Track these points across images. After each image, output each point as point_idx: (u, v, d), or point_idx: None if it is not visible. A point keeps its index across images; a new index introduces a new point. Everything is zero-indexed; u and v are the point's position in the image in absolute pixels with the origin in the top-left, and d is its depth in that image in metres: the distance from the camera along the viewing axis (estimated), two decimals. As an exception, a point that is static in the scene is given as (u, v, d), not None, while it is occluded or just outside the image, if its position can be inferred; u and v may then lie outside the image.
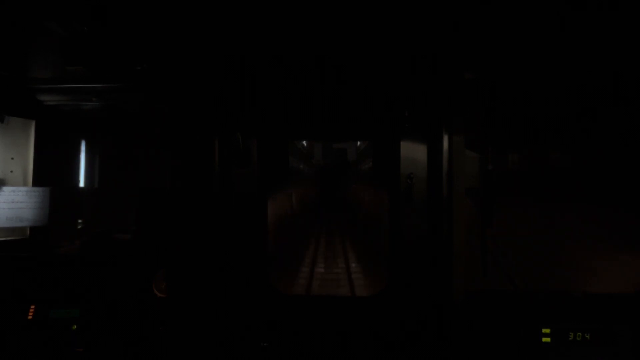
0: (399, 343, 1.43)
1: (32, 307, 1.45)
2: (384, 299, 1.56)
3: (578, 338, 1.33)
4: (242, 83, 1.50)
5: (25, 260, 1.55)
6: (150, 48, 1.33)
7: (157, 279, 1.50)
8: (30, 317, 1.44)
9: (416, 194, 1.50)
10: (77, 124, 2.01)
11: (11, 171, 1.77)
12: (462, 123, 1.35)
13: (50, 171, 1.87)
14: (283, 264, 2.11)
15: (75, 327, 1.43)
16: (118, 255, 1.58)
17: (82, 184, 2.08)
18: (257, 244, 1.60)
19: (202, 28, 1.21)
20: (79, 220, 2.01)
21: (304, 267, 2.25)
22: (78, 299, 1.47)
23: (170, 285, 1.36)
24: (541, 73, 1.43)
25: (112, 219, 1.97)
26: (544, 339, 1.34)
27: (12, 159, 1.77)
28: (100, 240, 1.74)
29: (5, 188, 1.69)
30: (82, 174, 2.09)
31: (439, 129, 1.38)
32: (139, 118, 2.00)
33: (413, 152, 1.52)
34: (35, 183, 1.80)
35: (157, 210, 1.73)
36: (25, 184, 1.79)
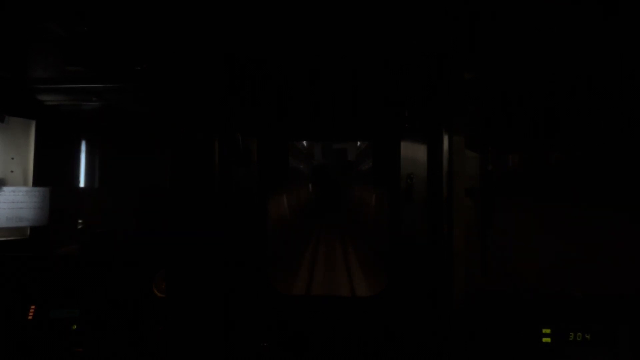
0: (399, 343, 1.43)
1: (32, 307, 1.45)
2: (384, 299, 1.56)
3: (578, 338, 1.33)
4: (242, 83, 1.50)
5: (25, 260, 1.55)
6: (150, 48, 1.33)
7: (157, 279, 1.50)
8: (30, 317, 1.44)
9: (416, 194, 1.50)
10: (77, 124, 2.01)
11: (11, 171, 1.77)
12: (462, 123, 1.35)
13: (50, 171, 1.87)
14: (283, 264, 2.11)
15: (75, 327, 1.43)
16: (118, 255, 1.58)
17: (82, 184, 2.08)
18: (257, 244, 1.60)
19: (202, 28, 1.21)
20: (79, 220, 2.01)
21: (303, 267, 2.25)
22: (78, 299, 1.47)
23: (170, 285, 1.36)
24: (541, 72, 1.43)
25: (112, 219, 1.97)
26: (544, 339, 1.34)
27: (13, 159, 1.77)
28: (100, 240, 1.74)
29: (5, 188, 1.70)
30: (82, 174, 2.08)
31: (439, 129, 1.37)
32: (139, 118, 2.00)
33: (413, 152, 1.52)
34: (36, 183, 1.80)
35: (157, 210, 1.73)
36: (25, 184, 1.79)
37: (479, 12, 1.07)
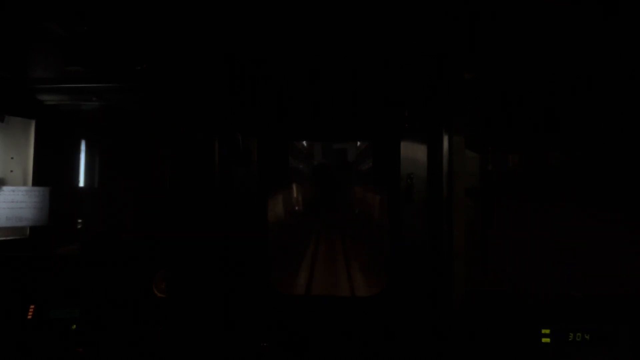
0: (399, 343, 1.43)
1: (32, 307, 1.45)
2: (384, 299, 1.56)
3: (578, 338, 1.33)
4: (242, 83, 1.50)
5: (25, 260, 1.55)
6: (150, 48, 1.33)
7: (157, 279, 1.50)
8: (30, 317, 1.44)
9: (416, 194, 1.50)
10: (77, 124, 2.01)
11: (11, 171, 1.77)
12: (462, 123, 1.35)
13: (50, 171, 1.87)
14: (283, 264, 2.11)
15: (75, 327, 1.43)
16: (118, 255, 1.58)
17: (82, 184, 2.08)
18: (257, 243, 1.60)
19: (202, 28, 1.21)
20: (79, 220, 2.00)
21: (303, 267, 2.25)
22: (78, 299, 1.47)
23: (170, 285, 1.36)
24: (541, 72, 1.43)
25: (112, 219, 1.97)
26: (544, 340, 1.34)
27: (12, 158, 1.77)
28: (100, 240, 1.74)
29: (5, 188, 1.69)
30: (82, 174, 2.08)
31: (439, 129, 1.38)
32: (139, 118, 2.00)
33: (413, 152, 1.52)
34: (35, 183, 1.80)
35: (157, 210, 1.73)
36: (25, 184, 1.79)
37: (479, 12, 1.07)
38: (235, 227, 1.51)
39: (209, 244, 1.33)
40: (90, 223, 2.00)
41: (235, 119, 1.51)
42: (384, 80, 1.52)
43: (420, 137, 1.51)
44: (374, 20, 1.14)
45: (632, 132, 1.54)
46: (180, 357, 1.31)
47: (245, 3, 1.05)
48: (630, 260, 1.53)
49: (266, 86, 1.54)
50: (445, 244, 1.35)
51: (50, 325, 1.43)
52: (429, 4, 1.04)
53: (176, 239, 1.32)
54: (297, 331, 1.44)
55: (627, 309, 1.35)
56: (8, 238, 1.73)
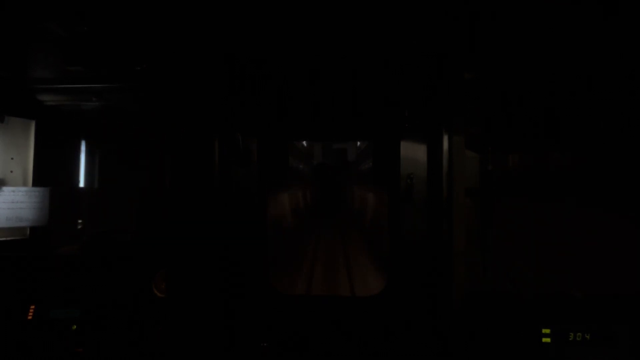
0: (399, 343, 1.43)
1: (32, 307, 1.45)
2: (384, 299, 1.56)
3: (578, 338, 1.33)
4: (242, 83, 1.50)
5: (25, 260, 1.55)
6: (150, 48, 1.33)
7: (157, 279, 1.50)
8: (30, 317, 1.44)
9: (416, 194, 1.50)
10: (77, 124, 2.01)
11: (11, 171, 1.77)
12: (462, 123, 1.35)
13: (50, 171, 1.87)
14: (283, 264, 2.11)
15: (75, 327, 1.43)
16: (118, 255, 1.58)
17: (82, 184, 2.08)
18: (257, 244, 1.60)
19: (202, 28, 1.21)
20: (79, 220, 2.00)
21: (303, 267, 2.25)
22: (78, 299, 1.47)
23: (170, 285, 1.36)
24: (541, 72, 1.43)
25: (112, 219, 1.97)
26: (544, 339, 1.34)
27: (12, 159, 1.77)
28: (100, 240, 1.74)
29: (5, 188, 1.69)
30: (82, 174, 2.08)
31: (439, 129, 1.37)
32: (139, 118, 2.00)
33: (413, 152, 1.52)
34: (35, 183, 1.80)
35: (157, 210, 1.73)
36: (25, 184, 1.79)
37: (479, 12, 1.07)
38: (235, 227, 1.51)
39: (208, 243, 1.33)
40: (90, 223, 2.00)
41: (235, 119, 1.51)
42: (384, 80, 1.52)
43: (420, 137, 1.51)
44: (374, 20, 1.14)
45: (632, 132, 1.54)
46: (180, 357, 1.31)
47: (245, 3, 1.05)
48: (630, 260, 1.53)
49: (266, 86, 1.54)
50: (445, 244, 1.35)
51: (50, 325, 1.43)
52: (429, 4, 1.04)
53: (176, 239, 1.32)
54: (297, 331, 1.44)
55: (627, 309, 1.35)
56: (8, 238, 1.73)
